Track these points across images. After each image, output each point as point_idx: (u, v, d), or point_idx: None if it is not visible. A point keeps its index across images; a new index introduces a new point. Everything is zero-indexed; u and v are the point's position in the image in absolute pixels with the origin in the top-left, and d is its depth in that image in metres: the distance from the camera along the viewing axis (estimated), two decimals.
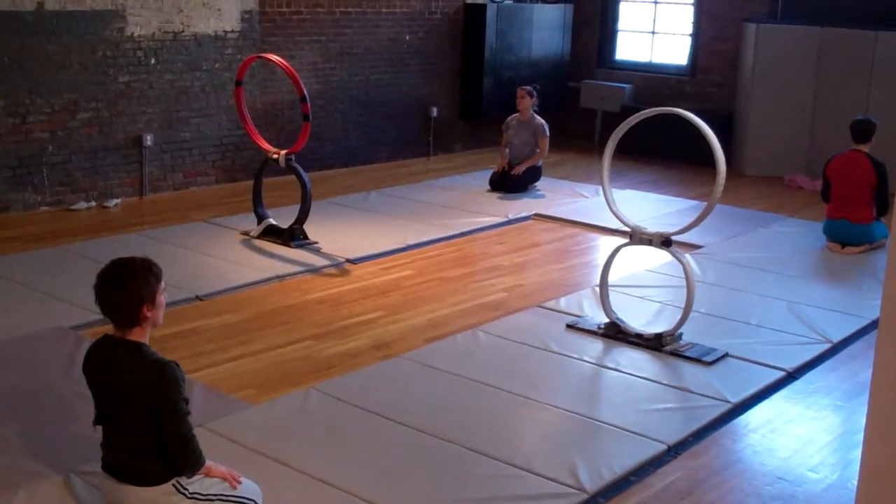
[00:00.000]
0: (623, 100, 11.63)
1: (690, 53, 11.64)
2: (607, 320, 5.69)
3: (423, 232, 7.79)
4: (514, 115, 9.42)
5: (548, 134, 9.32)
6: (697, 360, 5.30)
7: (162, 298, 3.39)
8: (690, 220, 5.48)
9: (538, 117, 9.33)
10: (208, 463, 3.43)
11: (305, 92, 7.11)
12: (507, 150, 9.42)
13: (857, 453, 3.66)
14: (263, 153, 7.47)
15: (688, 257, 6.18)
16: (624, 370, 5.21)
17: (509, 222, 8.32)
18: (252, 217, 7.58)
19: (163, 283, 3.39)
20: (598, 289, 5.89)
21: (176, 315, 5.63)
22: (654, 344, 5.47)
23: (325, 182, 9.41)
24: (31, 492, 3.78)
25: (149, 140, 8.60)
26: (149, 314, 3.33)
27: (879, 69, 9.82)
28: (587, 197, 9.19)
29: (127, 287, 3.29)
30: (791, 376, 5.24)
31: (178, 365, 3.35)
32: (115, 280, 3.30)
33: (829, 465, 4.32)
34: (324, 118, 9.86)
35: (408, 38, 10.63)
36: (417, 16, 10.68)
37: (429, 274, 6.87)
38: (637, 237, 5.57)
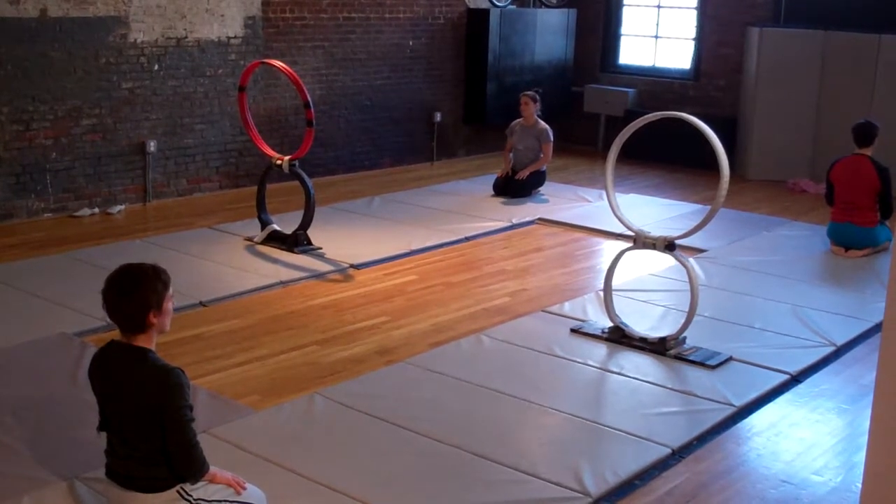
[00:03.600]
0: (627, 104, 11.64)
1: (694, 57, 11.64)
2: (611, 324, 5.68)
3: (426, 237, 7.79)
4: (518, 119, 9.42)
5: (552, 139, 9.32)
6: (701, 364, 5.30)
7: (169, 305, 3.39)
8: (694, 224, 5.48)
9: (542, 122, 9.34)
10: (213, 469, 3.43)
11: (309, 98, 7.12)
12: (511, 154, 9.43)
13: (862, 456, 3.65)
14: (267, 159, 7.47)
15: (692, 261, 6.18)
16: (628, 374, 5.20)
17: (513, 227, 8.32)
18: (256, 223, 7.58)
19: (171, 290, 3.39)
20: (602, 293, 5.89)
21: (180, 321, 5.63)
22: (658, 348, 5.47)
23: (329, 188, 9.42)
24: (35, 499, 3.78)
25: (152, 146, 8.62)
26: (155, 320, 3.34)
27: (883, 72, 9.81)
28: (591, 201, 9.19)
29: (134, 293, 3.29)
30: (795, 380, 5.24)
31: (183, 371, 3.35)
32: (122, 285, 3.31)
33: (833, 469, 4.32)
34: (327, 124, 9.88)
35: (411, 43, 10.65)
36: (420, 21, 10.69)
37: (433, 279, 6.87)
38: (641, 241, 5.57)
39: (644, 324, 5.84)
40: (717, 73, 11.39)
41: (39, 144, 7.94)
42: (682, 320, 5.52)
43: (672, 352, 5.42)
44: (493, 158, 11.09)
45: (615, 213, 5.68)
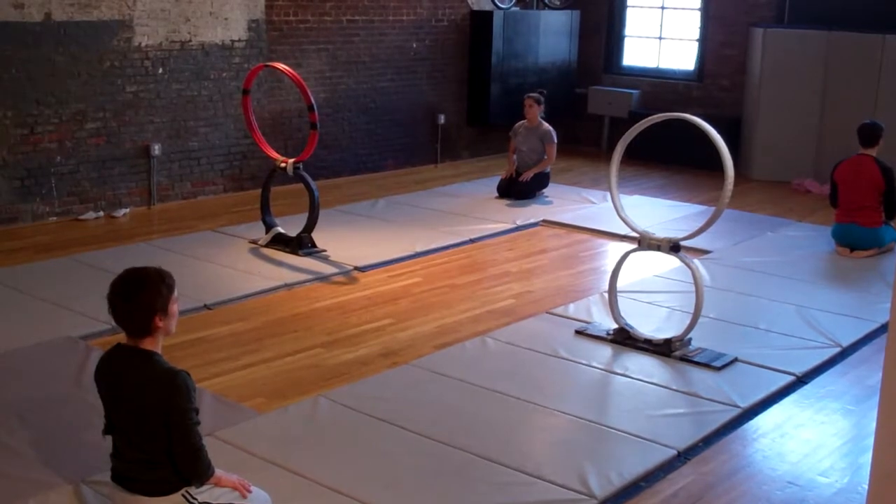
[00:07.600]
0: (631, 105, 11.63)
1: (698, 58, 11.63)
2: (616, 326, 5.68)
3: (431, 239, 7.79)
4: (522, 121, 9.42)
5: (555, 140, 9.32)
6: (706, 366, 5.29)
7: (175, 308, 3.39)
8: (699, 225, 5.48)
9: (545, 123, 9.33)
10: (218, 472, 3.43)
11: (313, 100, 7.12)
12: (514, 156, 9.43)
13: (868, 457, 3.65)
14: (271, 162, 7.48)
15: (696, 262, 6.17)
16: (633, 376, 5.20)
17: (517, 229, 8.32)
18: (260, 226, 7.59)
19: (176, 293, 3.40)
20: (606, 294, 5.89)
21: (185, 324, 5.63)
22: (663, 349, 5.46)
23: (333, 190, 9.42)
24: (41, 502, 3.79)
25: (157, 149, 8.62)
26: (161, 324, 3.34)
27: (887, 73, 9.80)
28: (595, 203, 9.18)
29: (139, 296, 3.30)
30: (800, 381, 5.23)
31: (188, 374, 3.35)
32: (128, 289, 3.31)
33: (839, 470, 4.31)
34: (331, 126, 9.88)
35: (415, 45, 10.65)
36: (424, 23, 10.69)
37: (437, 281, 6.87)
38: (645, 243, 5.57)
39: (649, 325, 5.83)
40: (720, 74, 11.37)
41: (44, 148, 7.95)
42: (687, 322, 5.52)
43: (677, 353, 5.41)
44: (496, 160, 11.09)
45: (619, 214, 5.68)
